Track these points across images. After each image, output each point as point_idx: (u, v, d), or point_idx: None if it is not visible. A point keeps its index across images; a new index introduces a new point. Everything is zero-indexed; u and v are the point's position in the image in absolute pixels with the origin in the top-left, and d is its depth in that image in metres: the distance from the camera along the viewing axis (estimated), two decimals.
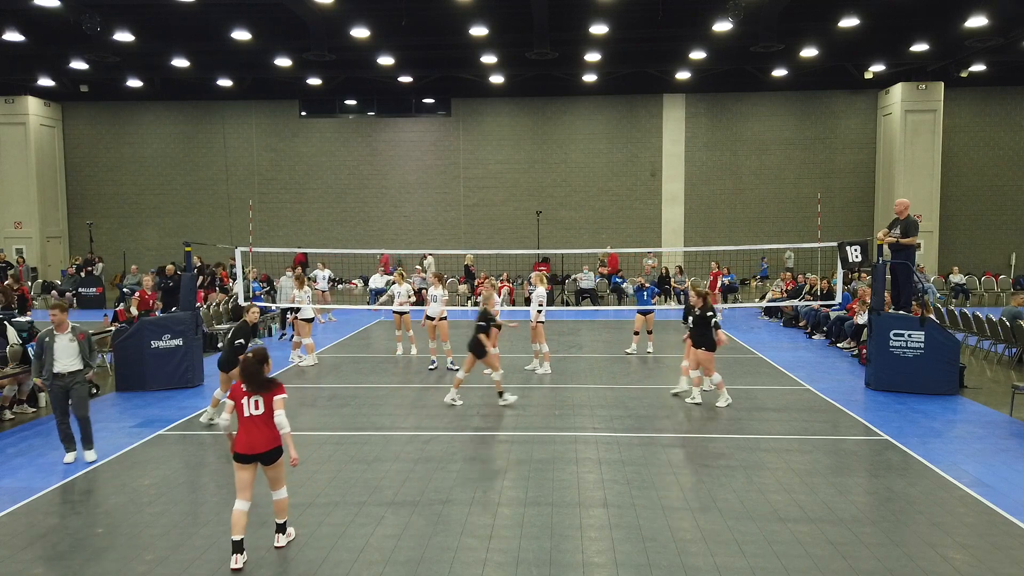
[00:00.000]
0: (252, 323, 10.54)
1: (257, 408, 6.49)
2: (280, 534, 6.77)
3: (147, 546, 6.80)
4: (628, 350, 16.60)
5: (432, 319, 14.71)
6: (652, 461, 9.09)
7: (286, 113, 32.62)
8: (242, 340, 10.08)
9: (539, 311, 14.38)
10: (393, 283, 16.75)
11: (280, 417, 6.49)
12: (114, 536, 7.02)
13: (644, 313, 16.46)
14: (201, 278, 21.82)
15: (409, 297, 16.42)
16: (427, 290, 15.80)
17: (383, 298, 22.61)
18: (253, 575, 6.25)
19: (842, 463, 9.12)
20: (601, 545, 6.75)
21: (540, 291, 14.67)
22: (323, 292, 22.80)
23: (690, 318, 11.92)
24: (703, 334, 11.65)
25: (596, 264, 28.11)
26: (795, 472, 8.69)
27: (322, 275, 22.99)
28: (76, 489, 8.30)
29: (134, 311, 14.61)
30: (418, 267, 27.07)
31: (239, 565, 6.33)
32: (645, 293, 16.57)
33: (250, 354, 6.68)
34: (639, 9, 23.58)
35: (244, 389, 6.53)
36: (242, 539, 6.40)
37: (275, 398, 6.52)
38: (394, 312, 16.55)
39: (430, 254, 27.05)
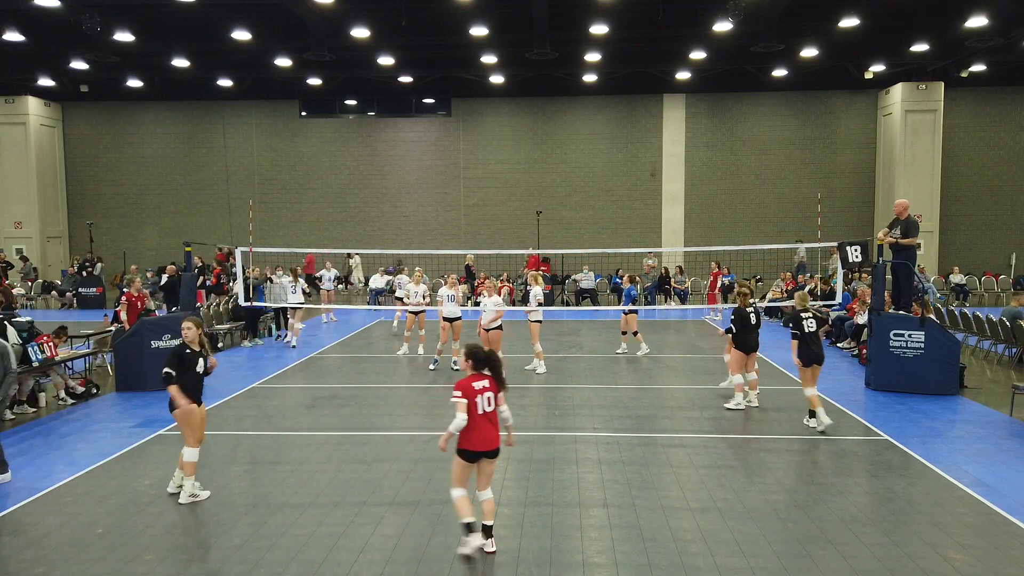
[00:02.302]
0: (190, 342, 8.18)
1: (489, 404, 6.48)
2: (491, 538, 6.57)
3: (147, 546, 6.80)
4: (619, 351, 16.72)
5: (448, 320, 14.71)
6: (652, 461, 9.09)
7: (286, 113, 32.61)
8: (169, 371, 7.83)
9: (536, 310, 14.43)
10: (409, 283, 16.77)
11: (507, 411, 6.67)
12: (114, 536, 7.02)
13: (626, 313, 16.67)
14: (202, 278, 21.81)
15: (424, 298, 16.34)
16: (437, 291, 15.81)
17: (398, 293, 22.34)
18: (254, 575, 6.25)
19: (842, 463, 9.12)
20: (601, 545, 6.75)
21: (537, 290, 14.75)
22: (328, 292, 22.72)
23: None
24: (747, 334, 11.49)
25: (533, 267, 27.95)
26: (795, 472, 8.69)
27: (328, 275, 22.89)
28: (76, 489, 8.30)
29: (124, 316, 14.59)
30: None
31: (473, 550, 6.37)
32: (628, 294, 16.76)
33: (482, 349, 6.68)
34: (639, 9, 23.58)
35: (481, 386, 6.45)
36: (473, 521, 6.46)
37: (501, 394, 6.58)
38: (408, 312, 16.50)
39: (357, 253, 26.92)
